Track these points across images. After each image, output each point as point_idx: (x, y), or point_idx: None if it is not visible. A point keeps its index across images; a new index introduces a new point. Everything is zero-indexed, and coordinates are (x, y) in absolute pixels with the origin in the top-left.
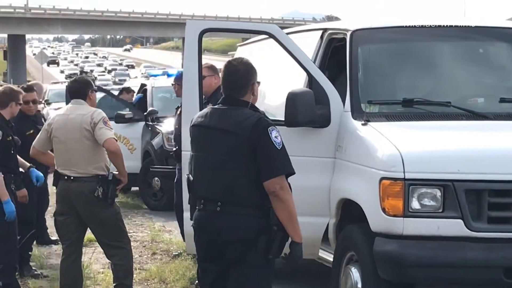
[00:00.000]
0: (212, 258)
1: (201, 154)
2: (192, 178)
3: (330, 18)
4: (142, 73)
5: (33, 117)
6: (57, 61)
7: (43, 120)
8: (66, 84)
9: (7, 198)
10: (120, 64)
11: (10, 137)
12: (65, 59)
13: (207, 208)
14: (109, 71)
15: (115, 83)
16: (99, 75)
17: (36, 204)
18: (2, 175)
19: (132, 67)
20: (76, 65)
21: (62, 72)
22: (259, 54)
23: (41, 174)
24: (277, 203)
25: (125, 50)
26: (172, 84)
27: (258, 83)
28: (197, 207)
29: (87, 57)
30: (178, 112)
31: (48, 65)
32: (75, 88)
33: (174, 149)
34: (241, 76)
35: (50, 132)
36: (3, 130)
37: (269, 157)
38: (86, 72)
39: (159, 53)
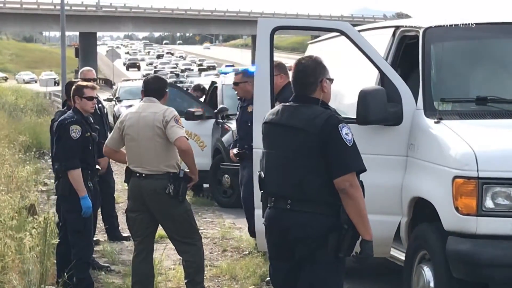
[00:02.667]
0: (282, 256)
1: (272, 151)
2: (263, 176)
3: (400, 16)
4: (216, 73)
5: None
6: (137, 64)
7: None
8: (143, 81)
9: (84, 194)
10: (200, 65)
11: (89, 133)
12: (142, 60)
13: (277, 206)
14: (182, 71)
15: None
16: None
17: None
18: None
19: (213, 68)
20: (155, 67)
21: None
22: (329, 51)
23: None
24: (347, 200)
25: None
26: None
27: (331, 80)
28: (268, 205)
29: (159, 56)
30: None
31: (127, 69)
32: (155, 86)
33: (236, 150)
34: (309, 73)
35: (122, 129)
36: (82, 126)
37: (340, 154)
38: (177, 75)
39: (227, 51)
